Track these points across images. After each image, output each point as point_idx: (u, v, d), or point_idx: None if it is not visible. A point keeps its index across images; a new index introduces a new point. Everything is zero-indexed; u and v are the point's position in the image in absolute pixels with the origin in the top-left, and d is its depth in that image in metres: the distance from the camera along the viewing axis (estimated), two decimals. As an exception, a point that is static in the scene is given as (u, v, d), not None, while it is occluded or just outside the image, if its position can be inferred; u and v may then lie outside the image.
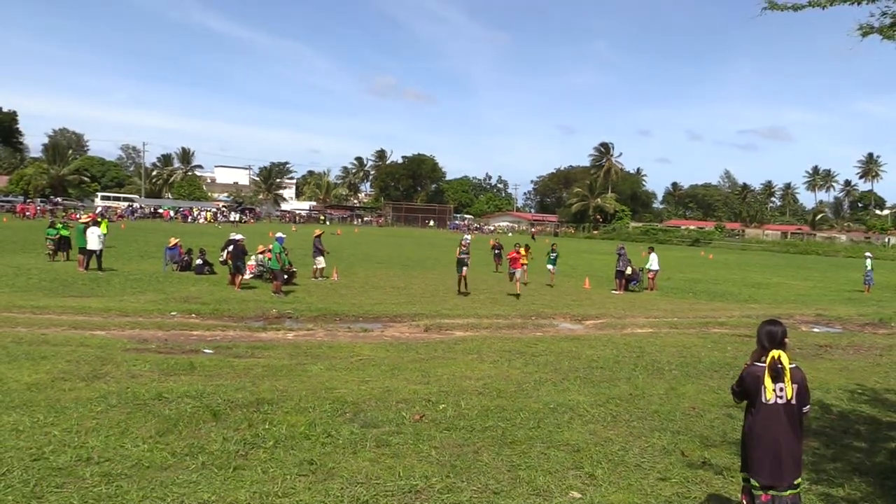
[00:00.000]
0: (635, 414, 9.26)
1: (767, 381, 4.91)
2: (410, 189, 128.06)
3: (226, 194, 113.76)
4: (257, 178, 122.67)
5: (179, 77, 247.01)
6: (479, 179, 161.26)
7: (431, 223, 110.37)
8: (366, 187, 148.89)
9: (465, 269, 21.89)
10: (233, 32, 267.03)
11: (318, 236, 25.15)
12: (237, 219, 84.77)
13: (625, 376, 11.57)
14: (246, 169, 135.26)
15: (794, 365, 5.00)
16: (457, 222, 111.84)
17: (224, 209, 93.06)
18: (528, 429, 8.27)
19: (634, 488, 6.63)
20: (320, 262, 24.78)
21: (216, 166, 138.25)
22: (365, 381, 10.31)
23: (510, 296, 22.26)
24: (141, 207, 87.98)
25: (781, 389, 4.92)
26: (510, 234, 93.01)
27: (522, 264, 23.14)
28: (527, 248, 24.73)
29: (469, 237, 31.26)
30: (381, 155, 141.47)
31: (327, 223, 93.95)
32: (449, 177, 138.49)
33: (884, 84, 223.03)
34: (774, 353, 4.94)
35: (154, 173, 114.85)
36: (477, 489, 6.42)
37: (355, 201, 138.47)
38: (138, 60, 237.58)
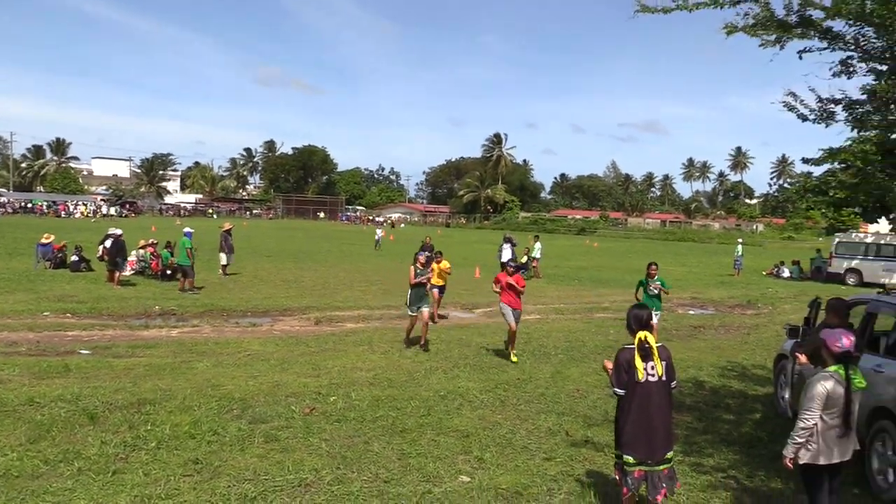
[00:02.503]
0: (523, 398, 9.56)
1: (638, 361, 5.15)
2: (301, 181, 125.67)
3: (104, 187, 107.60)
4: (138, 171, 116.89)
5: (52, 63, 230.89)
6: (372, 171, 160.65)
7: (322, 215, 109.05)
8: (255, 179, 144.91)
9: (426, 308, 12.86)
10: (109, 16, 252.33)
11: (228, 231, 24.16)
12: (116, 212, 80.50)
13: (513, 363, 11.87)
14: (126, 160, 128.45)
15: (660, 344, 5.32)
16: (349, 214, 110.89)
17: (102, 203, 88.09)
18: (419, 417, 8.38)
19: (521, 469, 6.85)
20: (223, 258, 23.82)
21: (93, 158, 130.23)
22: (253, 376, 10.13)
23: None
24: (9, 202, 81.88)
25: (652, 368, 5.18)
26: (403, 226, 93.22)
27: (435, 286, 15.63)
28: (438, 256, 16.27)
29: (381, 232, 30.47)
30: (270, 146, 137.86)
31: (214, 216, 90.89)
32: (340, 168, 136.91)
33: (750, 80, 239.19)
34: (641, 334, 5.21)
35: (24, 165, 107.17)
36: (367, 479, 6.45)
37: (244, 194, 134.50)
38: (1, 44, 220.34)
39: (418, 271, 12.83)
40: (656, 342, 5.27)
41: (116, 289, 19.29)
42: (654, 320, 12.68)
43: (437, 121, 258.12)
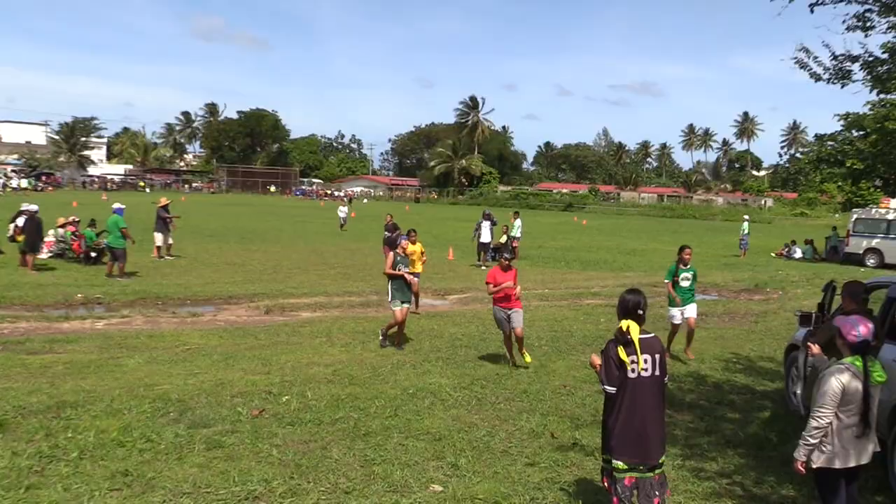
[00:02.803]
0: (502, 395, 9.61)
1: (622, 353, 5.23)
2: (248, 150, 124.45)
3: (15, 156, 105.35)
4: (56, 137, 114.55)
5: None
6: (330, 139, 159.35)
7: (273, 189, 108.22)
8: (194, 148, 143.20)
9: (404, 304, 12.42)
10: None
11: (164, 206, 23.81)
12: (30, 185, 79.00)
13: (491, 355, 11.95)
14: (41, 125, 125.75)
15: (650, 335, 5.37)
16: (304, 188, 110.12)
17: (13, 174, 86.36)
18: (384, 418, 8.39)
19: (501, 476, 6.87)
20: (159, 239, 23.49)
21: (2, 122, 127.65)
22: (193, 373, 10.07)
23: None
24: None
25: (634, 362, 5.24)
26: (366, 201, 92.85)
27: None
28: (412, 235, 15.49)
29: (346, 210, 30.01)
30: (212, 109, 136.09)
31: (147, 190, 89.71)
32: (294, 135, 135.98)
33: (758, 37, 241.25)
34: (623, 323, 5.31)
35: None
36: (325, 489, 6.43)
37: (182, 164, 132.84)
38: None
39: (398, 259, 12.35)
40: (646, 332, 5.33)
41: (31, 274, 19.01)
42: (686, 314, 12.17)
43: (404, 82, 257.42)
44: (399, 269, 12.26)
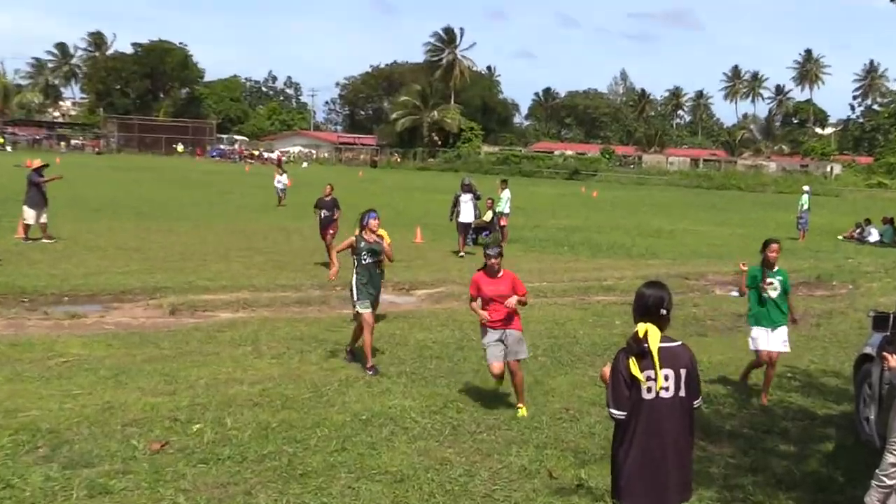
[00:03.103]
0: (485, 422, 9.59)
1: (633, 367, 5.17)
2: (147, 96, 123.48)
3: None
4: None
5: None
6: (257, 83, 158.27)
7: (181, 148, 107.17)
8: (73, 92, 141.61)
9: (367, 307, 12.18)
10: None
11: (38, 170, 23.49)
12: None
13: (471, 368, 11.96)
14: None
15: (675, 343, 5.31)
16: (222, 147, 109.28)
17: None
18: (329, 453, 8.35)
19: (482, 530, 6.86)
20: (30, 215, 23.09)
21: None
22: (72, 395, 9.95)
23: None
24: None
25: (651, 379, 5.18)
26: (305, 165, 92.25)
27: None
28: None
29: (285, 179, 29.42)
30: (97, 41, 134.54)
31: (8, 149, 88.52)
32: (209, 77, 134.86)
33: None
34: (640, 327, 5.24)
35: None
36: (249, 549, 6.40)
37: (56, 115, 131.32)
38: None
39: (363, 247, 11.93)
40: (669, 340, 5.26)
41: None
42: (772, 341, 11.18)
43: (357, 7, 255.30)
44: (364, 260, 11.91)
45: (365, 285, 11.94)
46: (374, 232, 12.14)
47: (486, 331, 10.16)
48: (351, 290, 12.16)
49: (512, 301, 9.91)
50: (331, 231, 20.66)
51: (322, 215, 21.22)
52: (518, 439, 9.05)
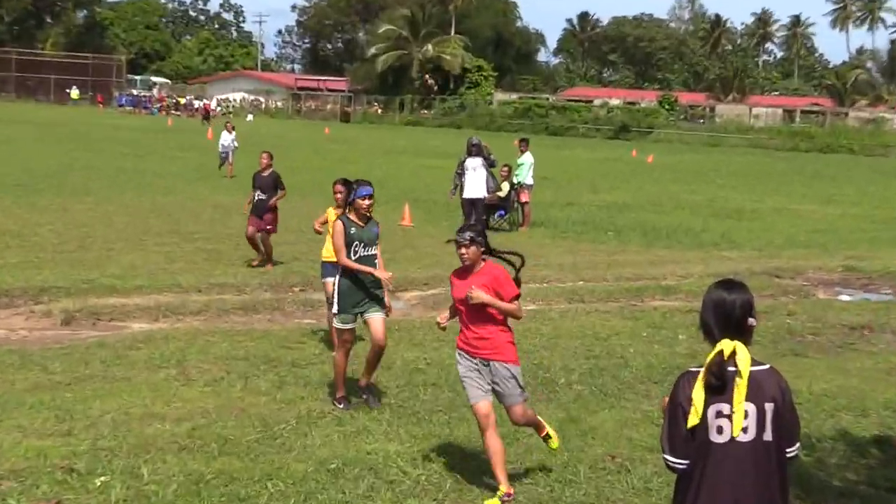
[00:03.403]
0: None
1: (698, 401, 4.28)
2: (29, 21, 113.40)
3: None
4: None
5: None
6: (184, 3, 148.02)
7: (77, 94, 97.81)
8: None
9: (377, 313, 10.39)
10: None
11: None
12: None
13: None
14: None
15: (763, 367, 4.47)
16: (135, 92, 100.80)
17: None
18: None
19: None
20: None
21: None
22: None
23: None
24: None
25: (723, 415, 4.30)
26: (250, 118, 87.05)
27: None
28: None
29: (232, 139, 26.48)
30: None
31: None
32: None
33: None
34: (725, 345, 4.33)
35: None
36: None
37: None
38: None
39: (353, 233, 9.76)
40: (755, 363, 4.32)
41: None
42: None
43: None
44: (357, 253, 9.90)
45: (349, 293, 9.92)
46: (366, 214, 9.89)
47: (459, 355, 7.85)
48: (332, 296, 10.33)
49: (478, 294, 7.32)
50: (266, 224, 17.01)
51: (255, 197, 17.24)
52: (547, 498, 7.89)
